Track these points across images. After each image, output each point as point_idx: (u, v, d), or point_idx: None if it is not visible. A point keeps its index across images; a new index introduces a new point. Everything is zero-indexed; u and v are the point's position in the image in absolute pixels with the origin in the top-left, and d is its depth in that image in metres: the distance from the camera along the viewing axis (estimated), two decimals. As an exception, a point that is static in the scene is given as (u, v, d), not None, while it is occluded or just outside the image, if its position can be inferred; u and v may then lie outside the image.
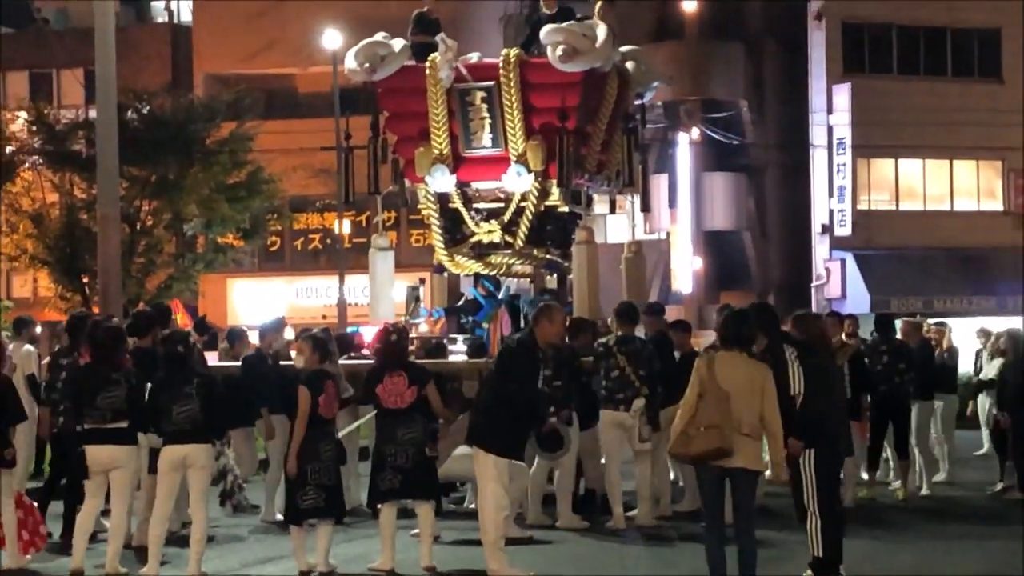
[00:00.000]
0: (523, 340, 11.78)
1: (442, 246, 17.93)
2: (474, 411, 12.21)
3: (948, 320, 20.66)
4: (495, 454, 11.63)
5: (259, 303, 40.10)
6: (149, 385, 12.30)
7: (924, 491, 17.30)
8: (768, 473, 10.80)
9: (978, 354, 19.74)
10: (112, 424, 12.03)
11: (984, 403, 19.60)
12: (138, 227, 32.25)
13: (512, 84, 17.09)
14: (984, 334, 20.00)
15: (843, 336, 16.39)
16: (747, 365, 10.44)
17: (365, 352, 16.71)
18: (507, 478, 11.75)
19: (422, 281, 18.73)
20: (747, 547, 10.42)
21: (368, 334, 17.62)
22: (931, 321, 19.70)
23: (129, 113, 31.78)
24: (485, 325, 17.33)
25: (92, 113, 27.22)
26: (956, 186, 41.23)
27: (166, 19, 45.74)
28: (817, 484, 10.86)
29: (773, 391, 10.40)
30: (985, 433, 20.31)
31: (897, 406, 16.62)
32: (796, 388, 10.83)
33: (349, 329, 27.44)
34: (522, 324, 17.09)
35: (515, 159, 17.25)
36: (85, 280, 31.17)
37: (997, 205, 41.42)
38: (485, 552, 11.72)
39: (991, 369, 17.99)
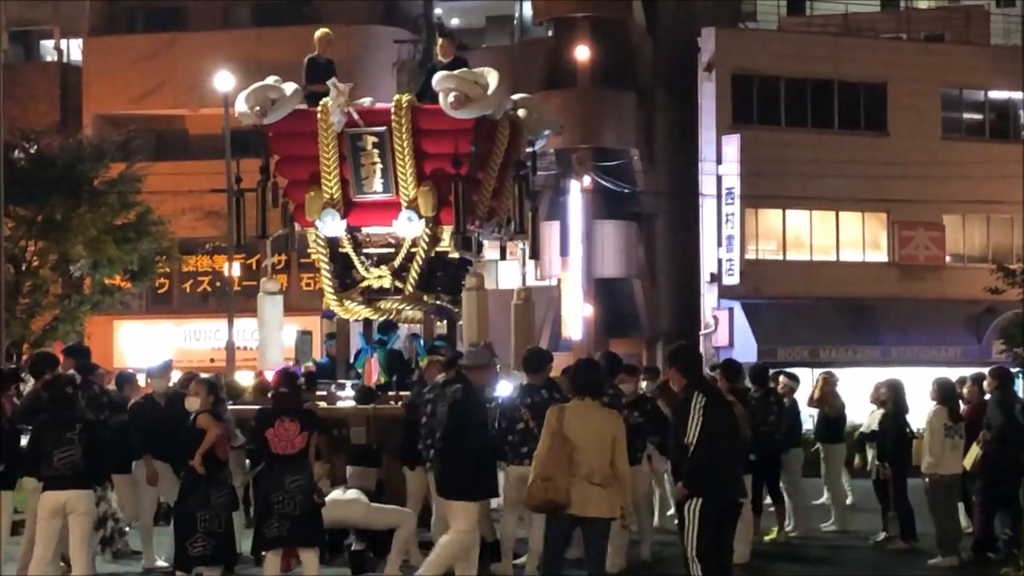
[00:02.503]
0: (468, 389, 12.11)
1: (332, 291, 17.88)
2: (441, 464, 12.26)
3: (834, 370, 20.88)
4: (470, 500, 11.84)
5: (147, 346, 39.64)
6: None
7: (790, 528, 17.71)
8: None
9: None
10: None
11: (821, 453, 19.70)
12: (23, 267, 31.87)
13: (404, 130, 17.12)
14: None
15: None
16: (598, 413, 10.59)
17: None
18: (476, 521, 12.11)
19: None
20: None
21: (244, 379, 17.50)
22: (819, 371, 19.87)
23: (16, 152, 31.46)
24: (360, 371, 17.29)
25: (-23, 152, 26.87)
26: (842, 237, 41.77)
27: (55, 58, 45.26)
28: (698, 530, 10.61)
29: (623, 438, 10.55)
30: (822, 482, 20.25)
31: (765, 454, 16.69)
32: (691, 436, 10.63)
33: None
34: (415, 365, 17.09)
35: (406, 205, 17.27)
36: (-32, 321, 30.68)
37: (882, 256, 42.01)
38: None
39: (872, 420, 18.20)
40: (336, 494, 13.99)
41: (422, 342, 17.77)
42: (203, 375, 12.97)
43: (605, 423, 10.53)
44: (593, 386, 10.81)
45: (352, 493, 14.06)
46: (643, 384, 16.89)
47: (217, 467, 11.84)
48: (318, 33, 18.52)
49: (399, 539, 13.76)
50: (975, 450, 15.68)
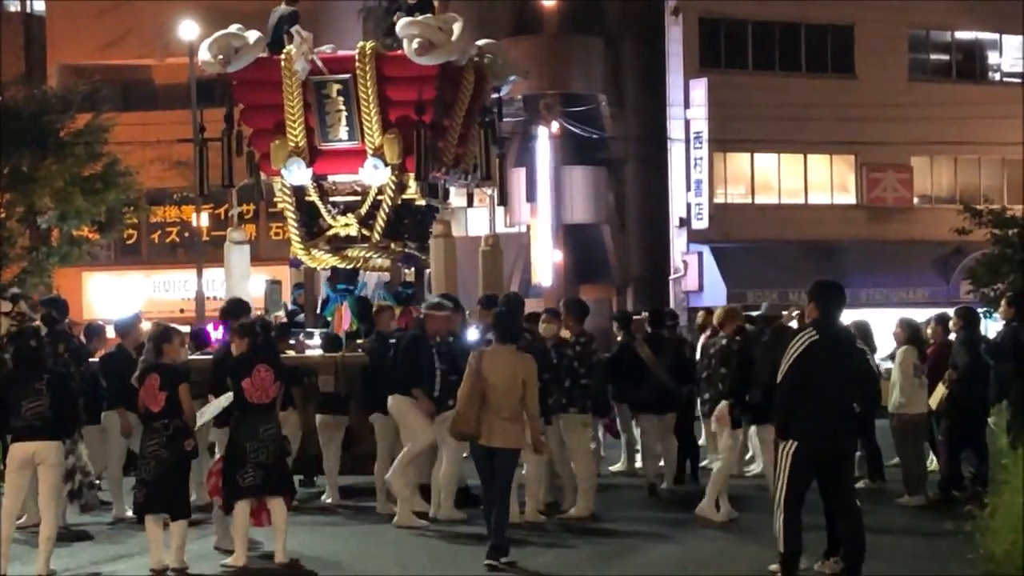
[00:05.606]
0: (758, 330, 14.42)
1: (299, 240, 17.88)
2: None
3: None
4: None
5: (115, 297, 39.55)
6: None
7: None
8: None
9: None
10: None
11: None
12: (-10, 220, 31.69)
13: (368, 77, 17.09)
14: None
15: None
16: (512, 358, 11.90)
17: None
18: None
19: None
20: (500, 511, 11.80)
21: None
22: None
23: (-20, 104, 31.24)
24: (330, 319, 17.30)
25: (-59, 104, 26.76)
26: (810, 180, 41.88)
27: (19, 8, 44.88)
28: (788, 477, 10.58)
29: (535, 380, 11.88)
30: None
31: None
32: (780, 374, 10.61)
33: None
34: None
35: (372, 152, 17.25)
36: (-65, 274, 30.56)
37: (850, 198, 42.14)
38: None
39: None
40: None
41: (384, 291, 17.79)
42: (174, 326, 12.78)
43: (517, 366, 11.83)
44: (511, 334, 12.11)
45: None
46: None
47: (150, 416, 11.79)
48: None
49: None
50: (940, 390, 15.79)
